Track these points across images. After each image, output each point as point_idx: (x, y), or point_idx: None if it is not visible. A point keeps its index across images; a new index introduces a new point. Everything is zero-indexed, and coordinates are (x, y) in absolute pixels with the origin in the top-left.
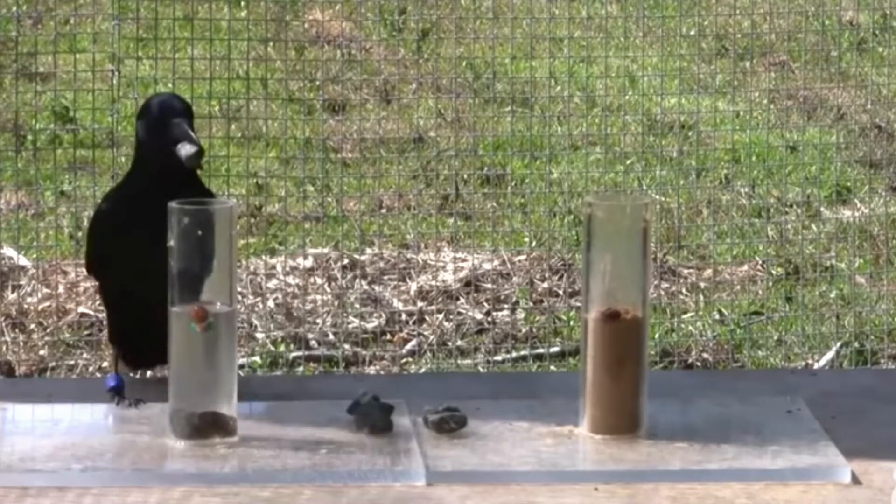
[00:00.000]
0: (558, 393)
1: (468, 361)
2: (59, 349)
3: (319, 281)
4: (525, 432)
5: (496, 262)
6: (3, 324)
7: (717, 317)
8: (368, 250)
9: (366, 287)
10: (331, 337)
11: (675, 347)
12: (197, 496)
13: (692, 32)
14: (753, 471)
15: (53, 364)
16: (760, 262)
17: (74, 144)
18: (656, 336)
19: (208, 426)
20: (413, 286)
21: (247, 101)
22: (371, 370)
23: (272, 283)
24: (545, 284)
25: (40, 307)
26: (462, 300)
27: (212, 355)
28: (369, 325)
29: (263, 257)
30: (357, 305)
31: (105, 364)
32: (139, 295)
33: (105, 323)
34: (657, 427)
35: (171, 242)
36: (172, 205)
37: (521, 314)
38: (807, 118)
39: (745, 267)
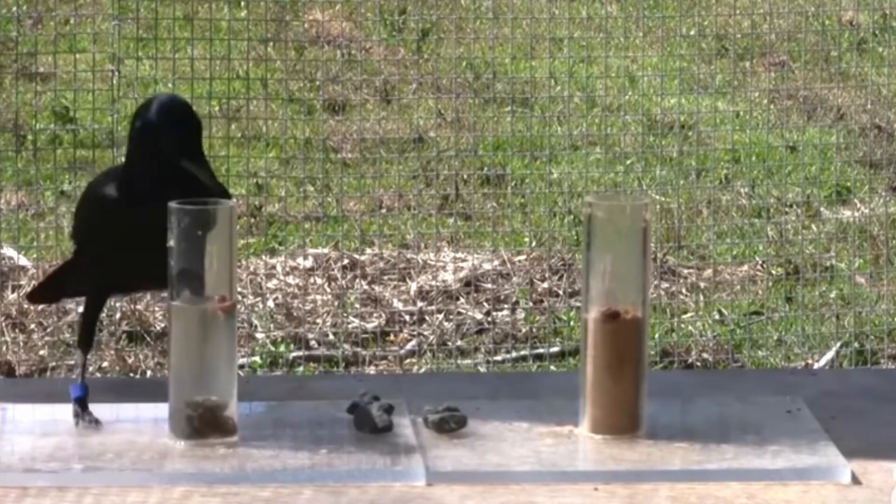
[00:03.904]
0: (558, 393)
1: (468, 361)
2: (59, 349)
3: (319, 281)
4: (525, 432)
5: (496, 262)
6: (3, 324)
7: (717, 317)
8: (368, 250)
9: (366, 287)
10: (331, 337)
11: (675, 347)
12: (197, 496)
13: (692, 32)
14: (753, 471)
15: (53, 364)
16: (760, 262)
17: (74, 144)
18: (656, 336)
19: (208, 426)
20: (413, 286)
21: (247, 101)
22: (371, 370)
23: (272, 283)
24: (545, 284)
25: (40, 307)
26: (462, 300)
27: (212, 353)
28: (369, 325)
29: (263, 257)
30: (357, 305)
31: (105, 364)
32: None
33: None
34: (657, 427)
35: (171, 242)
36: (172, 205)
37: (521, 314)
38: (807, 118)
39: (745, 267)
